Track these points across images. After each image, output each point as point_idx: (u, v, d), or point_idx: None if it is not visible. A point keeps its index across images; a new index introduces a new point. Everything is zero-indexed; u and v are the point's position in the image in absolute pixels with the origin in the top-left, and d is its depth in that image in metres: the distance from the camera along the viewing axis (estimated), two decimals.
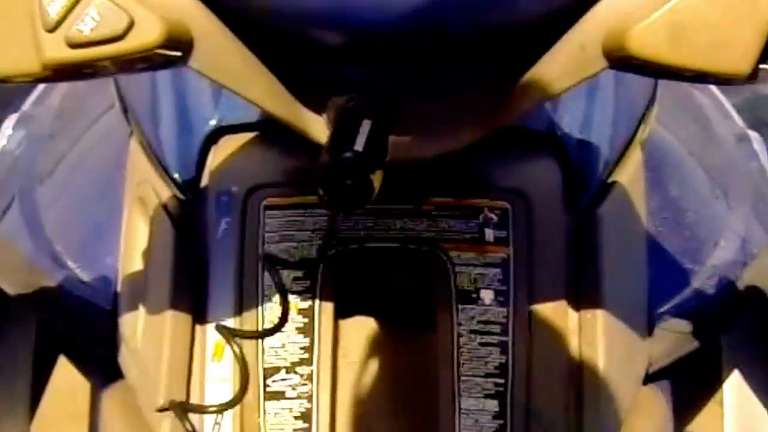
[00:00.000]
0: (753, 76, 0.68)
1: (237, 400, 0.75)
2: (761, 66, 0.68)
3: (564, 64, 0.72)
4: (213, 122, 0.94)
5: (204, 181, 0.93)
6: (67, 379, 1.26)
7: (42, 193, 1.15)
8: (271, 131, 0.92)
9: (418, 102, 0.77)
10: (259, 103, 0.74)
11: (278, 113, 0.75)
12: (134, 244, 0.97)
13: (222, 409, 0.82)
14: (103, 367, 1.05)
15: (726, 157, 1.22)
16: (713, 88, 1.35)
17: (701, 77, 0.69)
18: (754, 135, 1.28)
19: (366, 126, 0.72)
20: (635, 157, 1.01)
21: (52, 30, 0.65)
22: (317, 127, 0.76)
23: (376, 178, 0.71)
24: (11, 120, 1.28)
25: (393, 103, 0.75)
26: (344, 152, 0.71)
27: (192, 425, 0.75)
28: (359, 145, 0.70)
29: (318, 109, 0.76)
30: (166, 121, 1.01)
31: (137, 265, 0.96)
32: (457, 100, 0.77)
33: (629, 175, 0.98)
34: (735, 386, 1.21)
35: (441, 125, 0.77)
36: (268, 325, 0.88)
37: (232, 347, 0.74)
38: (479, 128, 0.77)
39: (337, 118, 0.74)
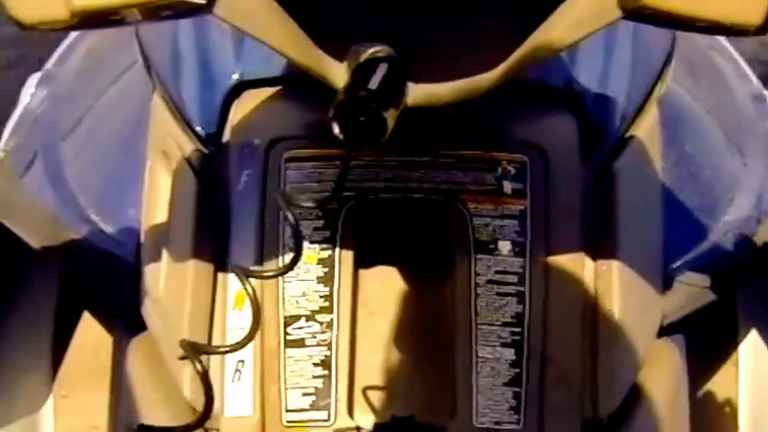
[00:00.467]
0: (764, 27, 0.69)
1: (248, 339, 0.75)
2: None
3: (580, 13, 0.73)
4: (235, 77, 0.96)
5: (226, 134, 0.94)
6: (89, 336, 1.27)
7: (65, 148, 1.16)
8: (293, 85, 0.93)
9: (436, 49, 0.78)
10: (281, 50, 0.75)
11: (300, 60, 0.76)
12: (157, 196, 0.99)
13: (233, 349, 0.82)
14: (126, 319, 1.06)
15: (742, 117, 1.23)
16: (730, 48, 1.36)
17: (713, 28, 0.70)
18: None
19: (382, 68, 0.74)
20: (652, 114, 1.02)
21: None
22: (338, 74, 0.77)
23: (390, 117, 0.72)
24: (34, 79, 1.29)
25: (411, 50, 0.76)
26: (360, 91, 0.72)
27: (203, 365, 0.75)
28: (374, 84, 0.72)
29: (339, 57, 0.78)
30: (188, 77, 1.02)
31: (160, 216, 0.98)
32: (474, 47, 0.78)
33: (646, 130, 0.99)
34: (751, 347, 1.21)
35: (457, 71, 0.78)
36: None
37: (245, 286, 0.75)
38: (495, 76, 0.78)
39: (356, 64, 0.75)
